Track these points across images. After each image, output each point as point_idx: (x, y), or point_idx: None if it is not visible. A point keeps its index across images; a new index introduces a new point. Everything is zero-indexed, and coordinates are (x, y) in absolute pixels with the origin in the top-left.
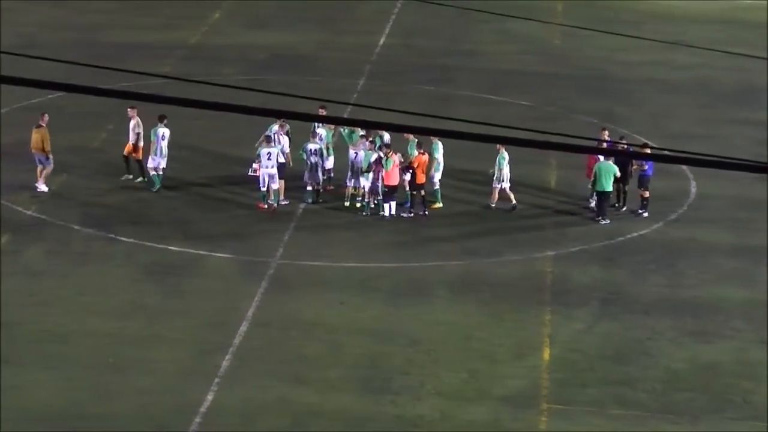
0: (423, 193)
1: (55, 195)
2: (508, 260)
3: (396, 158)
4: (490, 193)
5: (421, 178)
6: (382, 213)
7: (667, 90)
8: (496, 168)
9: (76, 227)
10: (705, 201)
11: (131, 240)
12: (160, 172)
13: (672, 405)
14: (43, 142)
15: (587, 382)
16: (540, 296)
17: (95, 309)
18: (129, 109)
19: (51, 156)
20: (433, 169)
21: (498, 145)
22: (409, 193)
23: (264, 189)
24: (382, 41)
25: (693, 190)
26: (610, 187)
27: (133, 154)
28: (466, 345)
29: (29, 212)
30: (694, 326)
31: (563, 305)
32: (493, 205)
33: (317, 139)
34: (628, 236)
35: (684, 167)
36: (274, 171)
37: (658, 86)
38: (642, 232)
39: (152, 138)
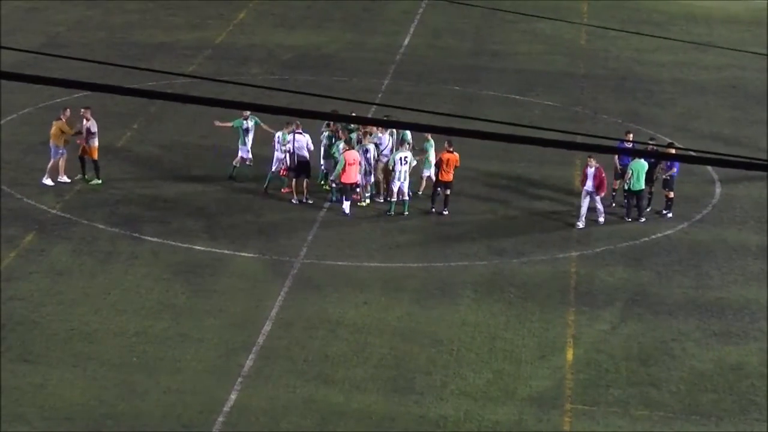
0: (448, 192)
1: (79, 194)
2: (533, 260)
3: (350, 157)
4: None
5: (446, 176)
6: (344, 212)
7: (695, 91)
8: (425, 156)
9: (101, 226)
10: (730, 202)
11: (157, 239)
12: (247, 163)
13: (697, 406)
14: (62, 131)
15: (612, 383)
16: (565, 297)
17: (121, 308)
18: (83, 110)
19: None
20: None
21: (426, 133)
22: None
23: (272, 172)
24: (406, 41)
25: (718, 191)
26: (643, 185)
27: (88, 155)
28: (491, 345)
29: (54, 211)
30: (720, 327)
31: (588, 306)
32: (420, 193)
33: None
34: (653, 237)
35: (709, 168)
36: (281, 156)
37: (685, 87)
38: (667, 233)
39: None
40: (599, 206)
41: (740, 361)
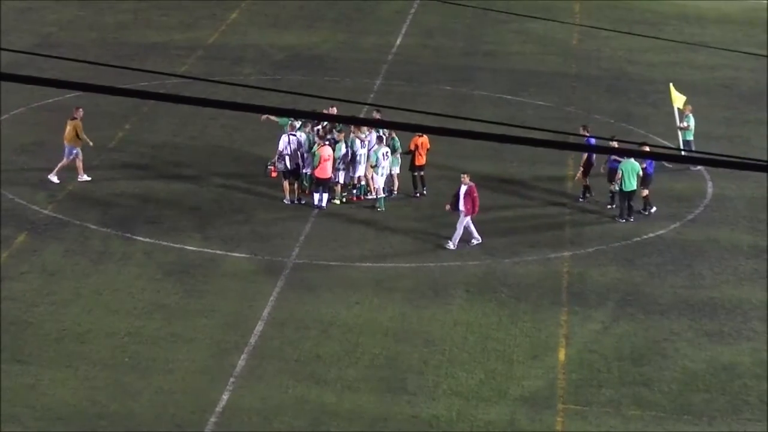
0: (422, 174)
1: (71, 194)
2: (525, 260)
3: (325, 152)
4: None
5: (421, 160)
6: (315, 204)
7: (688, 91)
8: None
9: (93, 227)
10: (722, 201)
11: (149, 240)
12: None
13: (689, 406)
14: (77, 132)
15: (604, 383)
16: (557, 297)
17: (114, 308)
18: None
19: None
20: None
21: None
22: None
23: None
24: (399, 41)
25: (710, 190)
26: (634, 185)
27: None
28: (483, 345)
29: (46, 211)
30: (712, 327)
31: (580, 306)
32: (396, 192)
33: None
34: (645, 237)
35: (701, 167)
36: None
37: (677, 87)
38: (659, 233)
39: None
40: (459, 230)
41: (732, 360)
